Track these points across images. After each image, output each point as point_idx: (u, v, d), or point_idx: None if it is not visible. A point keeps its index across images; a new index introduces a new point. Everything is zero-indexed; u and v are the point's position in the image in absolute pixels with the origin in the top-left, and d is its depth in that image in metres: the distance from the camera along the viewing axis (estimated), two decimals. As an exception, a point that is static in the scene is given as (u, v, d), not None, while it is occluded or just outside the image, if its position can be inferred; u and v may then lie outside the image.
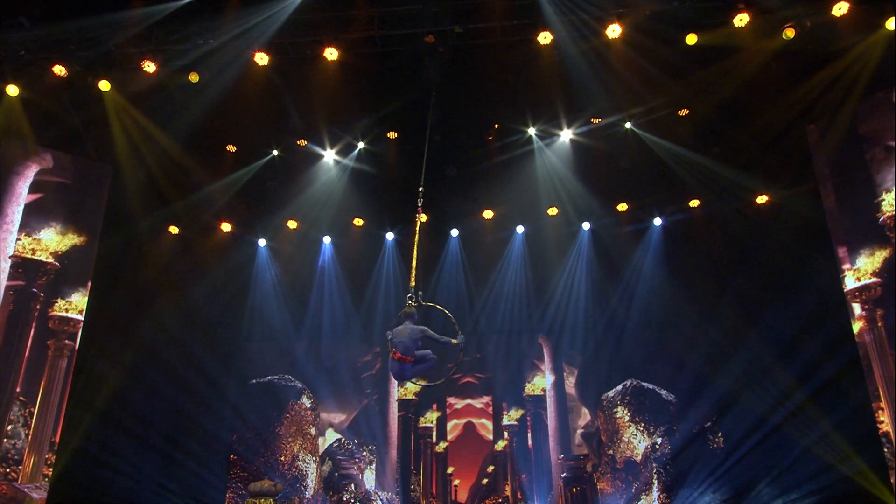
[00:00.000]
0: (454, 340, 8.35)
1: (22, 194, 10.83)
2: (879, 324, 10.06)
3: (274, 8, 9.27)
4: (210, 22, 9.49)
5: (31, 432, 10.10)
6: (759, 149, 11.49)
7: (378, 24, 9.66)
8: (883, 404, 9.74)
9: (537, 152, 11.74)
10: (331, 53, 9.74)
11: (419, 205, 8.74)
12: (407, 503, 12.52)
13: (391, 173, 12.05)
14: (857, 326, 10.20)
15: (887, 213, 9.94)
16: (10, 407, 10.00)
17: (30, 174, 10.96)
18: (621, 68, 10.00)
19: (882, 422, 9.73)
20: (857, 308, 10.29)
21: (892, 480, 9.28)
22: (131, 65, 9.92)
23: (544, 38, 9.60)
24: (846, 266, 10.47)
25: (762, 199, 12.15)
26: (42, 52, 9.92)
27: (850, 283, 10.41)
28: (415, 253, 8.29)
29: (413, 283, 7.97)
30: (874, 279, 10.14)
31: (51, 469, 10.01)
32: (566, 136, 11.71)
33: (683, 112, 11.56)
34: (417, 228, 8.64)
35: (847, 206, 10.70)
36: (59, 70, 9.93)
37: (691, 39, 9.39)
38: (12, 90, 9.97)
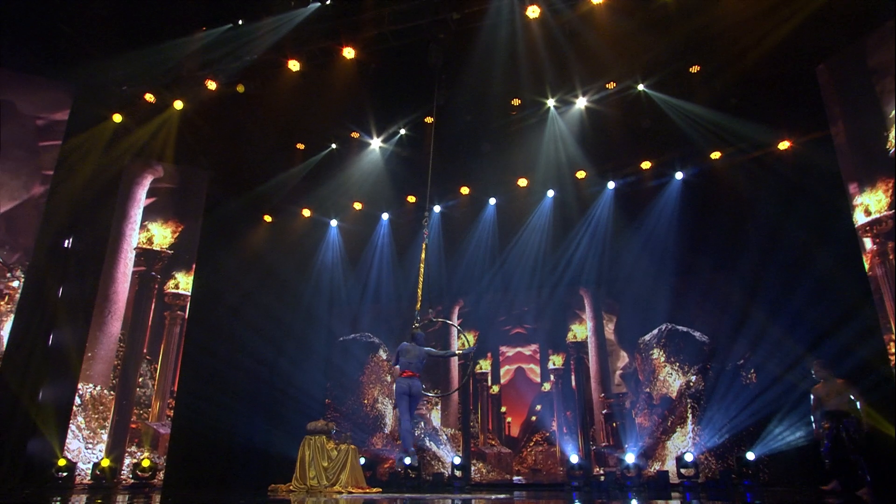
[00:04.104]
0: (459, 350, 8.70)
1: (141, 199, 12.50)
2: (891, 256, 9.16)
3: (295, 16, 9.98)
4: (249, 38, 10.33)
5: (155, 383, 11.77)
6: (772, 97, 10.70)
7: (388, 21, 10.07)
8: (895, 336, 8.90)
9: (552, 122, 11.66)
10: (349, 52, 10.30)
11: (425, 225, 8.76)
12: (467, 438, 13.08)
13: (433, 153, 12.44)
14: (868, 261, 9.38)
15: (897, 145, 9.01)
16: (140, 364, 11.71)
17: (146, 183, 12.61)
18: (618, 30, 9.66)
19: (894, 354, 8.90)
20: (868, 243, 9.43)
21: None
22: (198, 85, 11.08)
23: (532, 11, 9.59)
24: (856, 202, 9.58)
25: (784, 146, 11.28)
26: (138, 86, 11.36)
27: (860, 218, 9.53)
28: (420, 278, 8.25)
29: (419, 307, 7.99)
30: (886, 212, 9.23)
31: (172, 411, 11.62)
32: (581, 103, 11.53)
33: (695, 69, 11.02)
34: (424, 250, 8.42)
35: (857, 142, 9.76)
36: (149, 97, 11.38)
37: None
38: (117, 118, 11.52)
